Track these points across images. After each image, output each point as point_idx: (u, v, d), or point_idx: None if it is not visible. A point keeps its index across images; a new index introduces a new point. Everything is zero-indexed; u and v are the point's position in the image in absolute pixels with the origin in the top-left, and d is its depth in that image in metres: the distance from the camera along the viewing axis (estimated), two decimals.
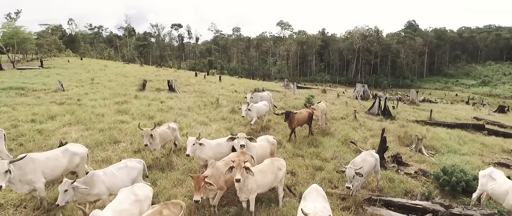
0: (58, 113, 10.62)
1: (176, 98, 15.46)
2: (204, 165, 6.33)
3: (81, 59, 46.77)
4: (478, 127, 13.12)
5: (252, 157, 5.68)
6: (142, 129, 6.75)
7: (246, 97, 12.97)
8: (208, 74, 36.58)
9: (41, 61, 32.40)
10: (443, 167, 7.11)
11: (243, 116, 9.59)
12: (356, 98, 21.16)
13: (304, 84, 45.31)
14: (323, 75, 78.29)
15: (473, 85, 74.15)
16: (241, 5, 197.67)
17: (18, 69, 27.19)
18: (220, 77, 29.39)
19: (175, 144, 8.07)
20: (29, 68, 28.34)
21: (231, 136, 6.11)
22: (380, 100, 14.60)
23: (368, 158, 6.23)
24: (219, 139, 6.62)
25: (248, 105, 9.82)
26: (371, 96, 22.61)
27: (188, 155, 5.75)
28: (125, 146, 8.11)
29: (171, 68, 53.62)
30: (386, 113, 14.21)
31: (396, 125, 12.59)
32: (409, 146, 10.19)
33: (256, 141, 5.96)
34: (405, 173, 7.80)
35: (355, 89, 22.67)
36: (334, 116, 13.37)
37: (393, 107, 16.83)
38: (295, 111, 9.35)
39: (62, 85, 15.57)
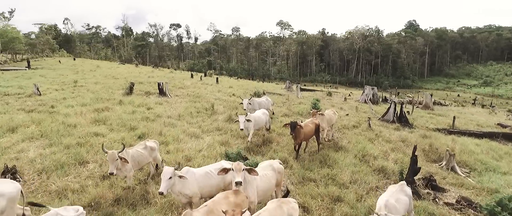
0: (22, 124, 8.97)
1: (166, 103, 13.81)
2: (189, 203, 4.72)
3: (74, 59, 45.04)
4: (509, 137, 11.53)
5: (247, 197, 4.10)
6: (106, 152, 5.09)
7: (242, 103, 10.91)
8: (205, 75, 34.88)
9: (28, 62, 30.67)
10: (500, 199, 5.50)
11: (242, 129, 7.91)
12: (365, 101, 19.47)
13: (305, 85, 43.86)
14: (323, 75, 77.13)
15: (475, 85, 73.19)
16: (240, 5, 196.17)
17: (0, 70, 25.46)
18: (217, 78, 27.62)
19: (156, 167, 6.43)
20: (14, 69, 26.66)
21: (223, 166, 4.45)
22: (395, 105, 12.96)
23: (401, 197, 4.57)
24: (208, 166, 4.99)
25: (247, 115, 8.16)
26: (380, 99, 20.95)
27: (162, 194, 4.14)
28: (93, 169, 6.45)
29: (168, 68, 51.86)
30: (402, 120, 12.59)
31: (416, 135, 10.99)
32: (437, 162, 8.61)
33: (257, 173, 4.31)
34: (444, 203, 6.19)
35: (364, 91, 20.95)
36: (345, 125, 11.75)
37: (408, 113, 15.21)
38: (301, 123, 7.73)
39: (38, 89, 13.90)
